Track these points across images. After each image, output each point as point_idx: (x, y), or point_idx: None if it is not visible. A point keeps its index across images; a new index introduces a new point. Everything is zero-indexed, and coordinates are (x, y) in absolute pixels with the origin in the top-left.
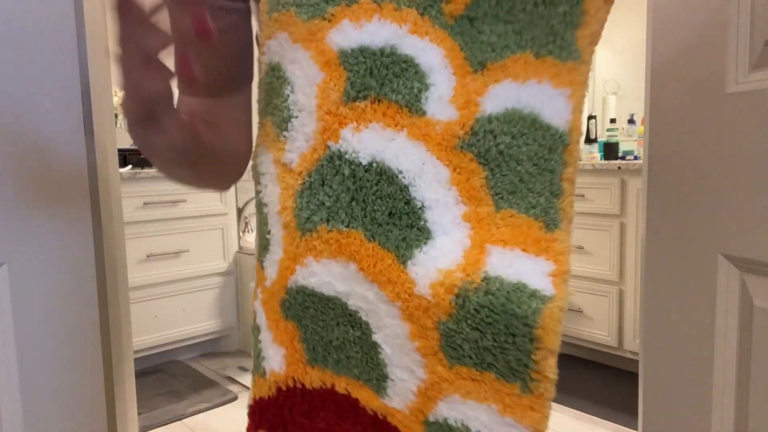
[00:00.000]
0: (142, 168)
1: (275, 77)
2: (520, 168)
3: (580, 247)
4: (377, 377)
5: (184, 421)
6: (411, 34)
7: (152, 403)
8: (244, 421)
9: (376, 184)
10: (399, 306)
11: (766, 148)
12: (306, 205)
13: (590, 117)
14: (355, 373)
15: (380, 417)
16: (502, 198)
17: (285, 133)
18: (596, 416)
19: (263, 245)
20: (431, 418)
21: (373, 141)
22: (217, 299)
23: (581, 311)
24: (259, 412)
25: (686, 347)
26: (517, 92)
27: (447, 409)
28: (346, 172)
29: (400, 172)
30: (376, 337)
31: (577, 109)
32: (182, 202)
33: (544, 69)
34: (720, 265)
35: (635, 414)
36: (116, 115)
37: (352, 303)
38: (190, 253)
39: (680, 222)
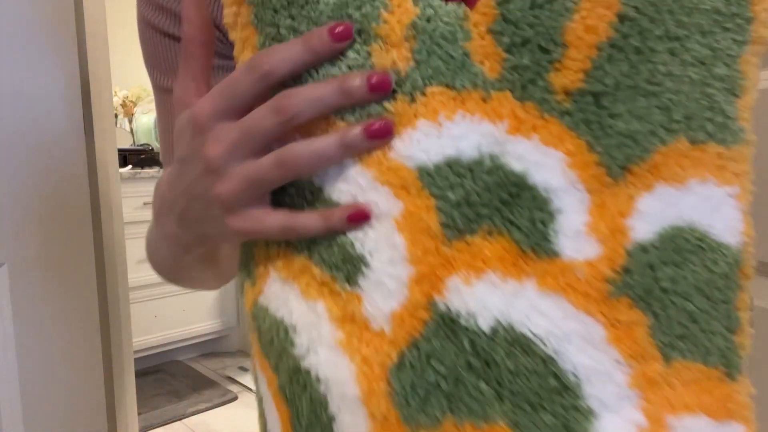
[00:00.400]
0: (142, 168)
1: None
2: (689, 305)
3: None
4: None
5: (184, 421)
6: (513, 134)
7: (152, 403)
8: (243, 420)
9: (509, 358)
10: None
11: (765, 148)
12: (412, 390)
13: None
14: None
15: None
16: (671, 347)
17: (357, 283)
18: None
19: None
20: None
21: (492, 297)
22: (217, 299)
23: None
24: None
25: None
26: (675, 202)
27: None
28: (465, 342)
29: (539, 338)
30: None
31: (747, 213)
32: None
33: (705, 161)
34: None
35: None
36: (116, 115)
37: None
38: None
39: None
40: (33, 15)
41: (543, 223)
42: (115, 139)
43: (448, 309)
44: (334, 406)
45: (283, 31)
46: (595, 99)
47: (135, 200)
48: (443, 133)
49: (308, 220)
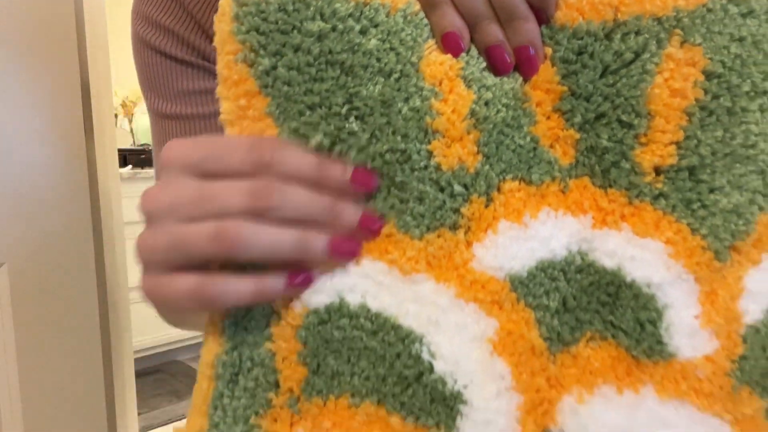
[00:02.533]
0: (142, 168)
1: (365, 332)
2: None
3: None
4: None
5: (184, 421)
6: (600, 228)
7: (152, 403)
8: None
9: None
10: None
11: None
12: None
13: None
14: None
15: None
16: None
17: (456, 428)
18: None
19: None
20: None
21: (611, 413)
22: None
23: None
24: None
25: None
26: None
27: None
28: None
29: None
30: None
31: None
32: None
33: None
34: None
35: None
36: (116, 115)
37: None
38: None
39: None
40: (33, 16)
41: (652, 323)
42: (115, 139)
43: None
44: None
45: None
46: (692, 173)
47: (135, 200)
48: (531, 235)
49: (231, 284)
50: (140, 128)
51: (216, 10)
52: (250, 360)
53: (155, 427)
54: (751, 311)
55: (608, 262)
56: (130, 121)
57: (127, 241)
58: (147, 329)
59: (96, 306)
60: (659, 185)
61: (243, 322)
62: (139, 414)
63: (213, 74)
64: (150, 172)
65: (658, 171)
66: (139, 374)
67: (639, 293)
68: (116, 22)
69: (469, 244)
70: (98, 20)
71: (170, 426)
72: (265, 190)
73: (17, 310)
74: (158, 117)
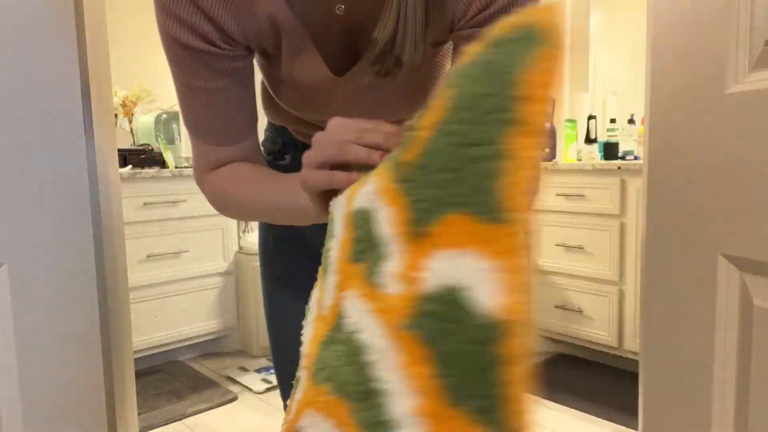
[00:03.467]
0: (142, 168)
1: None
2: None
3: (580, 247)
4: None
5: (184, 421)
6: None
7: (152, 403)
8: (243, 420)
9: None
10: None
11: (766, 148)
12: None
13: (590, 117)
14: None
15: None
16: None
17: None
18: (596, 416)
19: None
20: None
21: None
22: (217, 299)
23: (581, 311)
24: None
25: (686, 347)
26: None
27: None
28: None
29: (364, 341)
30: None
31: (515, 291)
32: (182, 202)
33: (471, 232)
34: (720, 265)
35: (635, 414)
36: (116, 115)
37: None
38: (190, 253)
39: (680, 222)
40: (32, 14)
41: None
42: (115, 139)
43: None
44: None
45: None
46: (422, 171)
47: (135, 200)
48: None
49: (338, 174)
50: (140, 128)
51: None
52: None
53: (155, 427)
54: (428, 283)
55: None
56: (130, 121)
57: (127, 241)
58: (147, 329)
59: (96, 306)
60: (409, 175)
61: None
62: (139, 414)
63: (214, 55)
64: (150, 172)
65: (411, 167)
66: (139, 374)
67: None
68: (117, 22)
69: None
70: (98, 20)
71: (170, 426)
72: (363, 138)
73: (17, 310)
74: (186, 87)
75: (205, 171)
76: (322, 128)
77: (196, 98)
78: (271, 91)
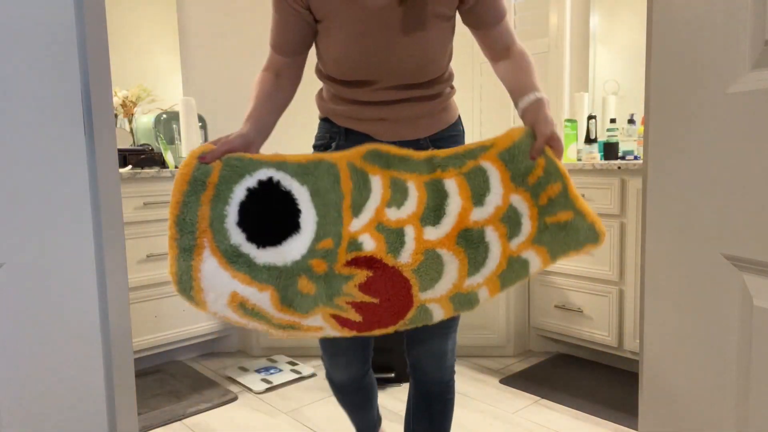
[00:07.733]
0: (142, 168)
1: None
2: None
3: None
4: None
5: (184, 421)
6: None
7: (152, 403)
8: (243, 421)
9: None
10: None
11: (766, 148)
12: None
13: (590, 117)
14: None
15: None
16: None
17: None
18: (596, 416)
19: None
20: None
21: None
22: None
23: (581, 311)
24: None
25: (686, 347)
26: None
27: None
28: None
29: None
30: None
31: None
32: None
33: None
34: (720, 265)
35: (635, 414)
36: (116, 115)
37: None
38: None
39: (680, 222)
40: (32, 15)
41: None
42: (115, 139)
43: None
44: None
45: None
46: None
47: (135, 200)
48: None
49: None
50: (140, 128)
51: None
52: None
53: (155, 427)
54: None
55: None
56: (130, 121)
57: (127, 241)
58: (147, 329)
59: (96, 306)
60: None
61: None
62: (139, 414)
63: (291, 6)
64: (150, 172)
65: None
66: (139, 374)
67: None
68: (117, 22)
69: None
70: (98, 20)
71: (170, 426)
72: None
73: (17, 310)
74: (274, 15)
75: (265, 68)
76: (356, 104)
77: (276, 24)
78: (322, 53)
